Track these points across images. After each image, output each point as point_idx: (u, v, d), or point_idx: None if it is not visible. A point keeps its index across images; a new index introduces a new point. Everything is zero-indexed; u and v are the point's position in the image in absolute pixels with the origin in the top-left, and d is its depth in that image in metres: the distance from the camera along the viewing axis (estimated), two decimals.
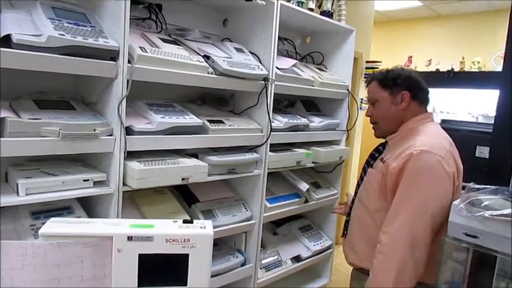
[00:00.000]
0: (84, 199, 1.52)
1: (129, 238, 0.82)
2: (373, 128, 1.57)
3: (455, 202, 1.05)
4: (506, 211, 0.92)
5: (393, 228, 1.26)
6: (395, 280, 1.24)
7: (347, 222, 1.61)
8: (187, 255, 0.85)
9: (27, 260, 0.79)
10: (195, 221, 0.90)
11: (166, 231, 0.85)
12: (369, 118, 1.58)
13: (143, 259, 0.83)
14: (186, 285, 0.86)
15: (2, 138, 1.21)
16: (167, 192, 1.88)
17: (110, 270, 0.83)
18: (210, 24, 2.17)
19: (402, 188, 1.27)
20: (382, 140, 1.60)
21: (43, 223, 1.40)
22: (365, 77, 3.44)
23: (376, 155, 1.56)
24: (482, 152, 2.34)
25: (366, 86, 1.57)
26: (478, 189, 1.07)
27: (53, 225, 0.82)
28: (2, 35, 1.18)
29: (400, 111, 1.43)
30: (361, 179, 1.59)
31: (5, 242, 0.79)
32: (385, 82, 1.44)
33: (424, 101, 1.46)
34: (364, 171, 1.58)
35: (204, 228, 0.88)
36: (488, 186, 1.08)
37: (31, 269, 0.79)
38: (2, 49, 1.14)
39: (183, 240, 0.84)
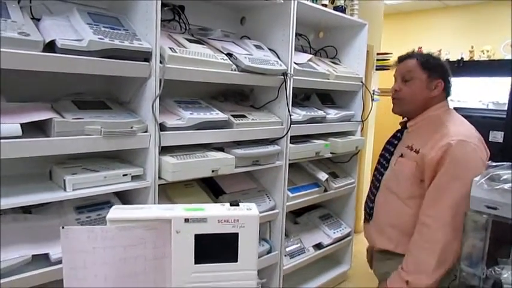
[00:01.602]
0: (122, 193, 1.62)
1: (186, 220, 0.91)
2: (393, 102, 1.54)
3: (476, 178, 1.13)
4: None
5: (435, 211, 1.32)
6: (439, 259, 1.30)
7: (371, 208, 1.62)
8: (237, 234, 0.94)
9: (98, 243, 0.88)
10: (240, 203, 0.99)
11: (218, 212, 0.93)
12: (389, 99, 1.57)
13: (198, 239, 0.92)
14: (236, 261, 0.95)
15: (50, 138, 1.31)
16: (195, 185, 1.97)
17: (169, 250, 0.92)
18: (228, 22, 2.25)
19: (443, 176, 1.31)
20: (396, 127, 1.63)
21: (87, 217, 1.52)
22: (377, 69, 3.50)
23: (395, 142, 1.59)
24: (496, 136, 2.41)
25: (399, 62, 1.54)
26: (496, 166, 1.16)
27: (117, 212, 0.91)
28: (47, 41, 1.27)
29: (430, 97, 1.46)
30: (381, 166, 1.60)
31: (77, 228, 0.89)
32: (427, 65, 1.45)
33: (449, 93, 1.51)
34: (384, 158, 1.60)
35: (250, 210, 0.97)
36: (504, 162, 1.17)
37: (101, 251, 0.88)
38: (48, 54, 1.24)
39: (233, 221, 0.93)
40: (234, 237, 0.94)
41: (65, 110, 1.43)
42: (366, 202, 1.69)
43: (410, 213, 1.43)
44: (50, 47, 1.28)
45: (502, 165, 1.16)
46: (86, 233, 0.87)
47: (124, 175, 1.52)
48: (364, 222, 1.69)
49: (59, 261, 1.34)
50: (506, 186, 1.04)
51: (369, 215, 1.63)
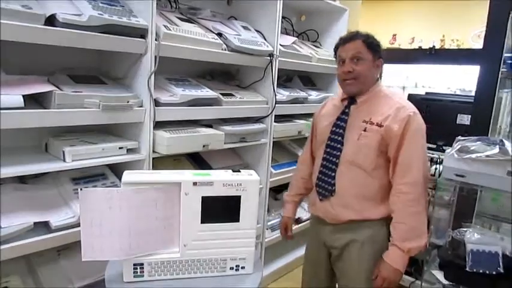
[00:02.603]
0: (115, 166, 1.67)
1: (194, 183, 1.00)
2: (347, 83, 1.57)
3: (448, 150, 1.29)
4: (487, 153, 1.19)
5: (409, 179, 1.46)
6: (426, 219, 1.46)
7: (332, 185, 1.61)
8: (239, 197, 1.04)
9: (113, 203, 0.96)
10: (242, 170, 1.09)
11: (223, 177, 1.03)
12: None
13: (205, 200, 1.01)
14: (238, 221, 1.05)
15: (52, 109, 1.35)
16: (184, 160, 2.05)
17: (178, 210, 1.01)
18: (215, 2, 2.29)
19: (408, 145, 1.47)
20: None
21: (85, 187, 1.57)
22: None
23: (345, 118, 1.62)
24: (462, 119, 2.61)
25: (344, 43, 1.56)
26: (465, 139, 1.33)
27: (131, 175, 0.99)
28: (48, 14, 1.30)
29: (375, 75, 1.59)
30: (337, 142, 1.61)
31: (95, 189, 0.96)
32: (371, 46, 1.54)
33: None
34: (339, 135, 1.61)
35: (251, 175, 1.07)
36: (471, 137, 1.35)
37: (117, 210, 0.96)
38: (54, 28, 1.27)
39: (236, 184, 1.03)
40: (237, 199, 1.04)
41: (62, 83, 1.46)
42: (323, 180, 1.64)
43: (374, 183, 1.56)
44: (49, 21, 1.31)
45: (470, 138, 1.33)
46: (103, 194, 0.95)
47: (120, 148, 1.58)
48: (322, 200, 1.63)
49: (59, 229, 1.41)
50: (474, 156, 1.20)
51: (329, 191, 1.62)
